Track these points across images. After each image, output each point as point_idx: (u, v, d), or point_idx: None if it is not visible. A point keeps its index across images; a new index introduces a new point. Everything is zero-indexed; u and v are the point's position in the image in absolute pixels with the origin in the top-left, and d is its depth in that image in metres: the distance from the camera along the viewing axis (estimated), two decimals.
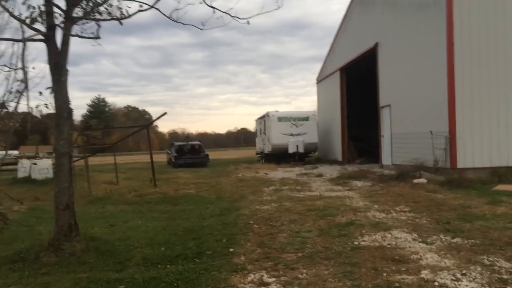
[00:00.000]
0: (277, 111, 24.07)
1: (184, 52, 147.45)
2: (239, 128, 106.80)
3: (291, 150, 22.47)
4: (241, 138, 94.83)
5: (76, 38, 5.88)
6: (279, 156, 22.78)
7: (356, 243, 5.58)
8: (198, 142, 29.91)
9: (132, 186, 13.99)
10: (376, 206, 8.39)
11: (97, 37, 6.17)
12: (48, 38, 5.51)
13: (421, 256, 4.89)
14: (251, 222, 7.32)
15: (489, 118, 11.83)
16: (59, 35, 5.64)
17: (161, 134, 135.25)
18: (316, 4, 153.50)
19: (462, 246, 5.24)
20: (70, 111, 5.72)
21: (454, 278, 4.09)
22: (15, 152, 29.60)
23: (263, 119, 24.90)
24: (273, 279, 4.31)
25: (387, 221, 6.86)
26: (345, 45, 21.51)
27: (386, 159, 16.48)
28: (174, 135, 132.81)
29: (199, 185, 13.70)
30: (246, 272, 4.56)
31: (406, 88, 14.79)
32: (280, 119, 23.09)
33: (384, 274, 4.25)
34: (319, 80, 26.80)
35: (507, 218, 6.62)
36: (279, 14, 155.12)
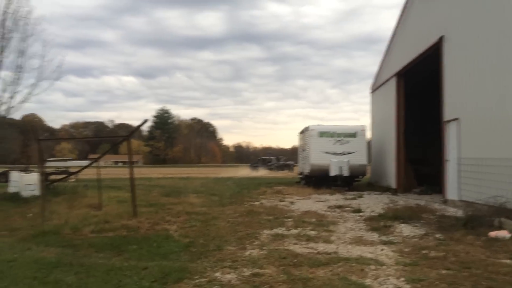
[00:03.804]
0: (319, 124, 20.20)
1: (254, 66, 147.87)
2: None
3: (333, 172, 18.40)
4: None
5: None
6: (320, 179, 18.88)
7: None
8: (272, 157, 53.01)
9: (112, 213, 11.11)
10: None
11: None
12: None
13: None
14: None
15: None
16: None
17: (225, 147, 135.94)
18: (389, 18, 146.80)
19: None
20: None
21: None
22: (84, 162, 28.31)
23: (304, 134, 21.16)
24: None
25: None
26: (403, 45, 17.32)
27: (451, 192, 12.14)
28: (238, 148, 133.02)
29: (190, 217, 10.51)
30: None
31: (481, 95, 10.61)
32: (322, 134, 19.16)
33: None
34: (374, 89, 22.48)
35: None
36: (350, 29, 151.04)
